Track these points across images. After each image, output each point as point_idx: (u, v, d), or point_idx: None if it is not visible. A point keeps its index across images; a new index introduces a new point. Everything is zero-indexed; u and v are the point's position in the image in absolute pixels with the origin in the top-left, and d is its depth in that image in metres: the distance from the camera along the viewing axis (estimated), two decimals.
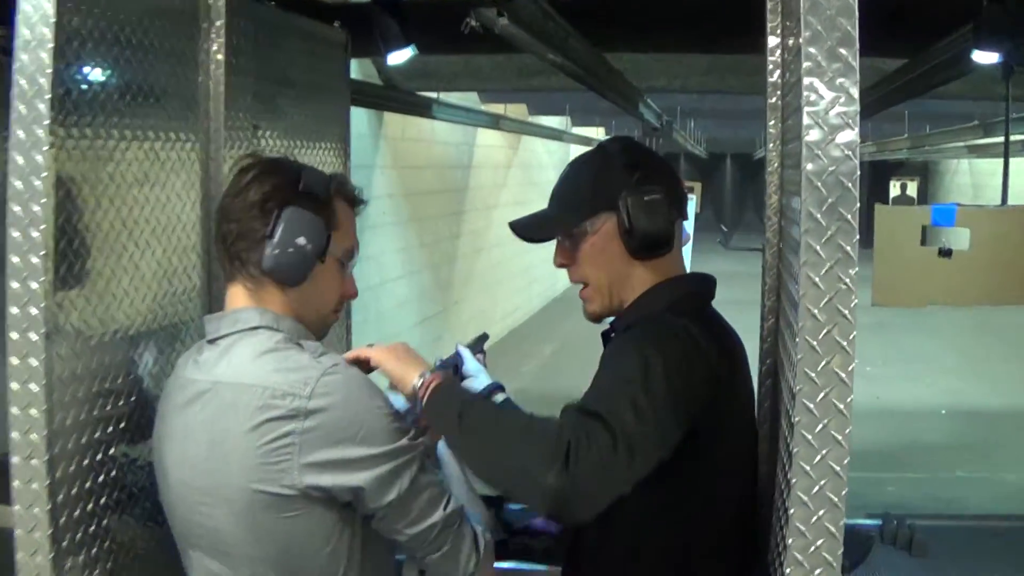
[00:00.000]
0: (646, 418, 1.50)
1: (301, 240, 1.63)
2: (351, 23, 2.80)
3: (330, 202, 1.70)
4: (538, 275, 13.04)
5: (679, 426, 1.55)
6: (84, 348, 1.69)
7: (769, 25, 1.84)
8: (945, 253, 3.36)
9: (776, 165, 1.90)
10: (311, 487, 1.53)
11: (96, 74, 1.72)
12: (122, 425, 1.78)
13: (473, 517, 1.71)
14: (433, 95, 6.89)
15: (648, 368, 1.54)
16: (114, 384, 1.76)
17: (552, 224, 1.81)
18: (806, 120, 1.31)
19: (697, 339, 1.63)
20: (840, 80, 1.30)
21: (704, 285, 1.84)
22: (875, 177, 18.37)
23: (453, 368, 1.93)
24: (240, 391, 1.56)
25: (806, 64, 1.31)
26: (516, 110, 11.49)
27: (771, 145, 1.91)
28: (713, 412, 1.62)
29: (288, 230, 1.62)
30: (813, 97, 1.31)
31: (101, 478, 1.72)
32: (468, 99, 9.24)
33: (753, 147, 21.88)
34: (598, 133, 17.06)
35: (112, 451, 1.75)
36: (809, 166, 1.31)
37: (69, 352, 1.64)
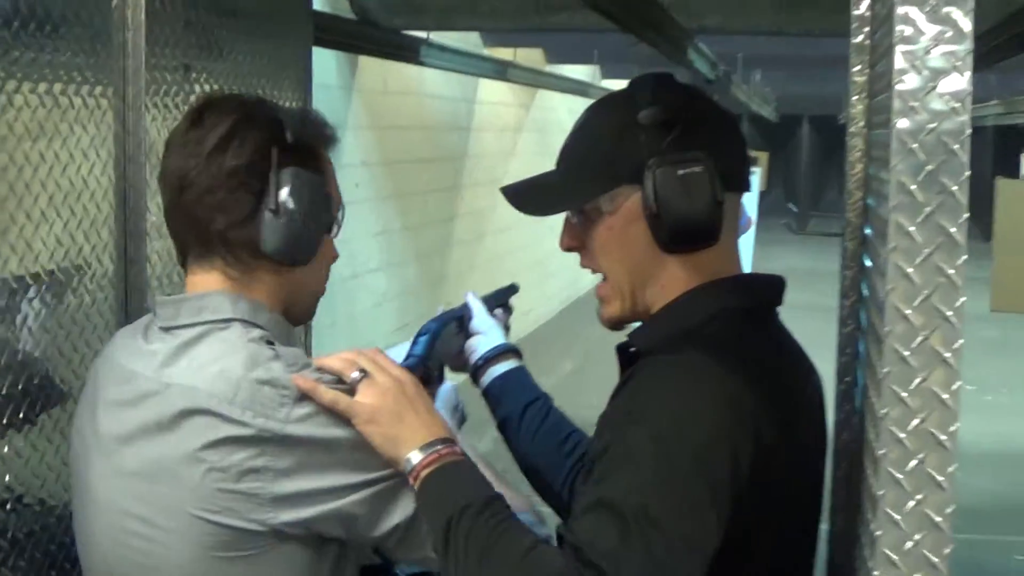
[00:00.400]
0: (664, 566, 1.43)
1: (308, 209, 1.65)
2: None
3: (318, 151, 1.73)
4: (556, 268, 13.04)
5: (708, 547, 1.47)
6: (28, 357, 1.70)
7: None
8: None
9: (861, 124, 1.89)
10: (287, 523, 1.55)
11: None
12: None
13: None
14: (422, 35, 6.87)
15: (664, 474, 1.46)
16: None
17: (557, 195, 1.73)
18: (899, 62, 1.29)
19: (739, 399, 1.52)
20: (946, 9, 1.28)
21: (764, 292, 1.73)
22: (1001, 147, 18.29)
23: (457, 322, 1.97)
24: (198, 399, 1.57)
25: None
26: (530, 56, 11.49)
27: (855, 98, 1.89)
28: (757, 503, 1.53)
29: (291, 198, 1.64)
30: (908, 31, 1.29)
31: None
32: (468, 42, 9.25)
33: (839, 107, 21.84)
34: None
35: None
36: (901, 123, 1.29)
37: None
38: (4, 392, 1.80)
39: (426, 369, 1.91)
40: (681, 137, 1.61)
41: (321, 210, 1.69)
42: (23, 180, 1.85)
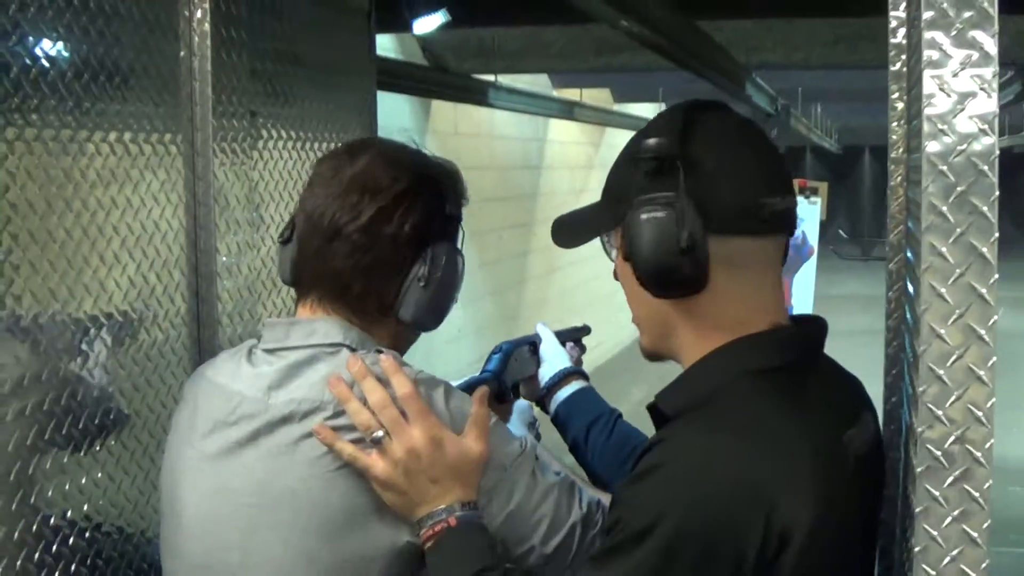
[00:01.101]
0: None
1: (448, 281, 1.67)
2: None
3: (461, 218, 1.74)
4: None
5: None
6: (32, 386, 1.70)
7: None
8: None
9: (901, 150, 1.85)
10: (411, 542, 1.53)
11: (47, 47, 1.74)
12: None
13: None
14: (490, 78, 6.91)
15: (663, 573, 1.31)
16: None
17: (579, 228, 1.62)
18: (927, 86, 1.26)
19: (750, 483, 1.33)
20: (972, 33, 1.25)
21: (795, 347, 1.50)
22: None
23: (530, 346, 1.97)
24: (315, 422, 1.53)
25: (927, 14, 1.26)
26: (597, 96, 11.49)
27: (894, 124, 1.86)
28: None
29: (439, 271, 1.64)
30: (936, 55, 1.26)
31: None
32: (537, 84, 9.28)
33: None
34: None
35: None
36: (931, 145, 1.26)
37: (10, 395, 1.64)
38: (80, 426, 1.81)
39: (500, 384, 1.91)
40: (663, 176, 1.41)
41: (459, 281, 1.70)
42: (96, 224, 1.87)
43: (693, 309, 1.46)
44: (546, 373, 2.01)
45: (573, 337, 2.12)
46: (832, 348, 1.60)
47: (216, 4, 2.13)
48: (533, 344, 2.03)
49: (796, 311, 1.65)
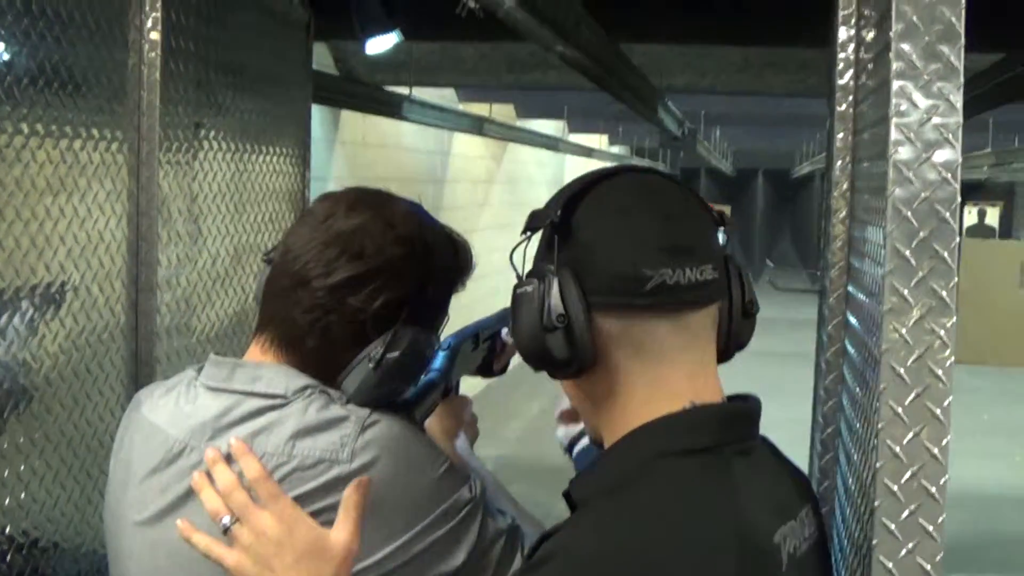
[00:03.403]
0: None
1: (404, 367, 1.53)
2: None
3: (449, 299, 1.64)
4: None
5: None
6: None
7: (841, 13, 1.87)
8: None
9: (844, 188, 1.92)
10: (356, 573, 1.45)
11: (5, 51, 1.73)
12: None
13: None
14: (404, 91, 6.92)
15: None
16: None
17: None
18: (894, 134, 1.32)
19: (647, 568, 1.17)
20: (939, 84, 1.31)
21: (722, 428, 1.30)
22: None
23: (472, 339, 1.91)
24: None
25: (896, 64, 1.32)
26: (501, 111, 11.55)
27: (839, 163, 1.92)
28: None
29: (393, 354, 1.51)
30: (904, 105, 1.32)
31: None
32: (444, 97, 9.30)
33: (791, 161, 22.08)
34: (600, 142, 17.21)
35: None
36: (897, 191, 1.32)
37: None
38: None
39: (446, 383, 1.92)
40: (542, 247, 1.32)
41: (418, 369, 1.59)
42: (43, 233, 1.86)
43: (593, 390, 1.32)
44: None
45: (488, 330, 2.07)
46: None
47: (167, 13, 2.12)
48: (476, 335, 2.02)
49: None
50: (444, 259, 1.59)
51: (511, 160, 13.51)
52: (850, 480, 1.72)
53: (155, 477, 1.51)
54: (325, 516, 1.43)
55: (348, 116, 7.53)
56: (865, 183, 1.86)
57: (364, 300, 1.50)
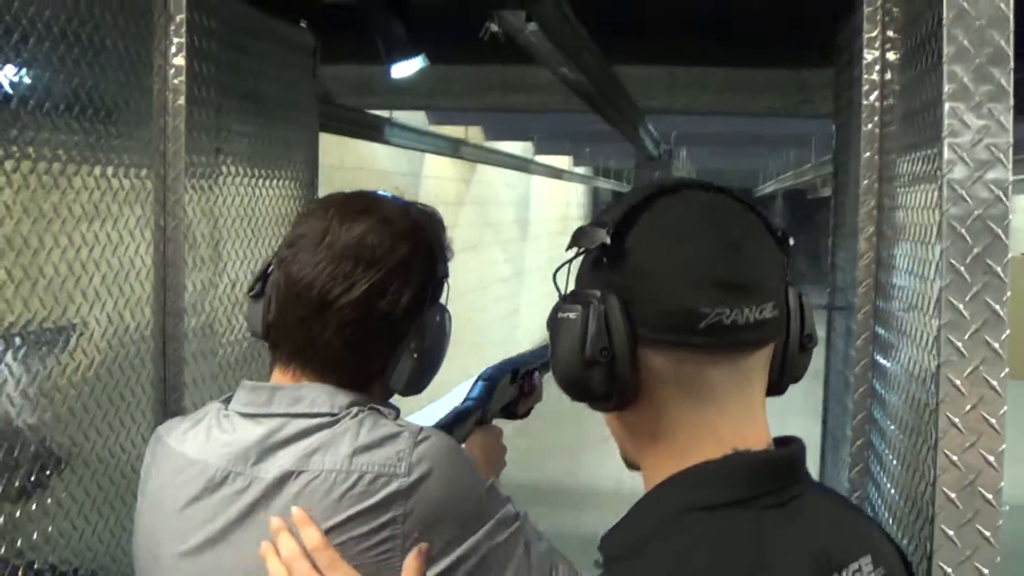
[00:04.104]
0: None
1: (439, 344, 1.59)
2: (318, 23, 2.84)
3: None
4: (495, 338, 13.08)
5: None
6: (22, 424, 1.69)
7: (866, 36, 1.91)
8: None
9: (872, 206, 1.96)
10: None
11: (39, 77, 1.74)
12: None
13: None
14: (385, 114, 6.95)
15: None
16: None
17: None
18: (947, 154, 1.36)
19: None
20: (990, 105, 1.36)
21: (760, 479, 1.18)
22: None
23: (511, 374, 2.00)
24: (306, 483, 1.48)
25: (949, 86, 1.36)
26: (468, 134, 11.60)
27: (865, 182, 1.97)
28: None
29: (430, 338, 1.57)
30: (956, 126, 1.36)
31: None
32: (415, 120, 9.33)
33: (754, 180, 22.24)
34: (566, 163, 17.29)
35: None
36: (952, 208, 1.36)
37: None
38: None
39: (483, 412, 1.95)
40: (597, 269, 1.21)
41: (448, 340, 1.63)
42: (80, 260, 1.88)
43: (634, 425, 1.23)
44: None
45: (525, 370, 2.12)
46: None
47: (191, 39, 2.14)
48: (515, 371, 2.06)
49: None
50: (436, 235, 1.61)
51: (479, 181, 13.55)
52: (890, 489, 1.76)
53: (195, 506, 1.50)
54: (387, 531, 1.45)
55: (327, 139, 7.51)
56: (891, 202, 1.91)
57: (391, 302, 1.52)
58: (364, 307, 1.51)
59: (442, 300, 1.62)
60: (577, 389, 1.20)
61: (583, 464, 8.90)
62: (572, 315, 1.18)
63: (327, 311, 1.50)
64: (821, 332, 2.79)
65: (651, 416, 1.20)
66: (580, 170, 18.40)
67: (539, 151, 14.91)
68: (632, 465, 1.29)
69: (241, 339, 2.42)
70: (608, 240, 1.16)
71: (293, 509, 1.46)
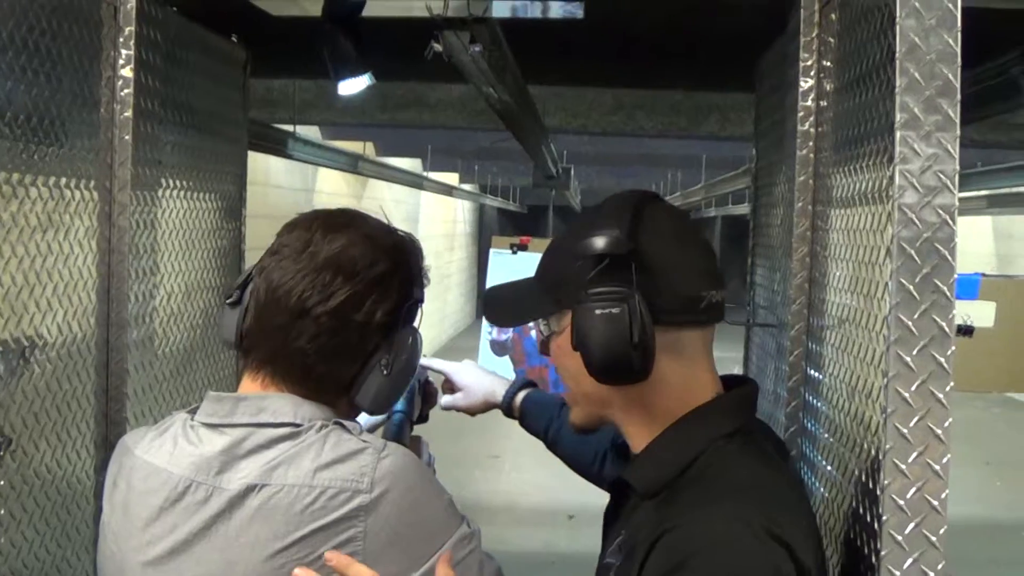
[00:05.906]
0: None
1: (408, 366, 1.62)
2: (249, 36, 2.86)
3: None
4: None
5: None
6: None
7: (802, 65, 2.01)
8: (965, 331, 3.60)
9: (804, 228, 2.05)
10: None
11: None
12: None
13: None
14: (289, 128, 6.93)
15: None
16: None
17: (518, 307, 1.69)
18: (899, 179, 1.45)
19: (774, 537, 1.40)
20: (939, 135, 1.45)
21: (742, 406, 1.62)
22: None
23: (418, 383, 2.08)
24: (268, 497, 1.50)
25: (900, 116, 1.45)
26: (359, 148, 11.60)
27: (799, 205, 2.06)
28: None
29: (400, 357, 1.60)
30: (907, 153, 1.45)
31: None
32: (310, 133, 9.31)
33: None
34: (455, 180, 17.35)
35: None
36: (903, 231, 1.45)
37: None
38: None
39: (409, 421, 2.02)
40: (614, 270, 1.49)
41: (417, 364, 1.66)
42: (34, 270, 1.87)
43: (634, 394, 1.55)
44: (495, 389, 2.16)
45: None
46: None
47: (139, 51, 2.15)
48: (418, 381, 2.13)
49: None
50: (416, 258, 1.67)
51: (370, 197, 13.53)
52: (825, 494, 1.84)
53: (162, 516, 1.52)
54: (349, 547, 1.47)
55: None
56: (823, 223, 2.00)
57: (367, 314, 1.56)
58: (340, 317, 1.55)
59: (415, 325, 1.67)
60: (619, 370, 1.49)
61: (474, 479, 8.94)
62: (615, 310, 1.48)
63: (304, 319, 1.55)
64: (740, 350, 2.89)
65: (652, 384, 1.52)
66: (467, 187, 18.47)
67: (431, 167, 14.96)
68: (588, 430, 1.68)
69: (178, 351, 2.43)
70: (632, 246, 1.48)
71: (328, 555, 1.46)
